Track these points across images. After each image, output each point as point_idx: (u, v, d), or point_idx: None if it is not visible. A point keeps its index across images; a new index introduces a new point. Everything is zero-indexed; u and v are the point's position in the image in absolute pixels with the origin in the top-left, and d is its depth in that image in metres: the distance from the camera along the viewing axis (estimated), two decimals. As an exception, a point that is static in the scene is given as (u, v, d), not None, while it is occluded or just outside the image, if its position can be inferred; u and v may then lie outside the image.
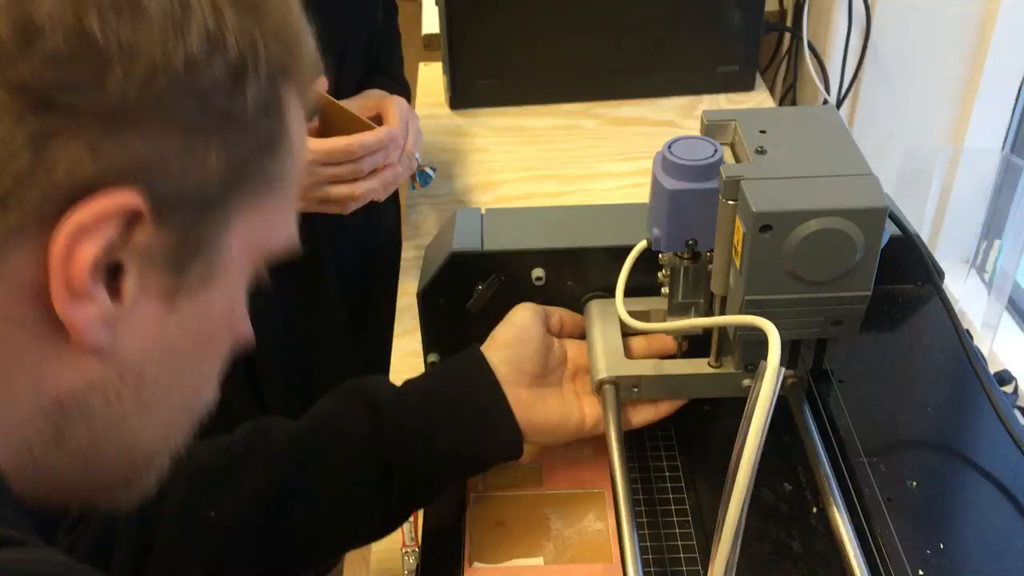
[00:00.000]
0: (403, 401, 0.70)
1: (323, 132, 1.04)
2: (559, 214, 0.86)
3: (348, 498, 0.69)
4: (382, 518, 0.70)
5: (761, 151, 0.64)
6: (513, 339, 0.73)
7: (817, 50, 1.50)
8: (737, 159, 0.67)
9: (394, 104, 1.07)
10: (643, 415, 0.76)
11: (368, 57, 1.13)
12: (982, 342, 1.18)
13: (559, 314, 0.79)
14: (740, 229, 0.62)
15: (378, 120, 1.06)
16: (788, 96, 1.62)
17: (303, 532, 0.68)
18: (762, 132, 0.66)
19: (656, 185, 0.67)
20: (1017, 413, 1.08)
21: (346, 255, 1.20)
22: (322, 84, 1.02)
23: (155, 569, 0.64)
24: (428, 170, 1.14)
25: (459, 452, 0.70)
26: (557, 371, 0.76)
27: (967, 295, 1.32)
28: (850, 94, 1.49)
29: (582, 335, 0.79)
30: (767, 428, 0.44)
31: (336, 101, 1.01)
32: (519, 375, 0.72)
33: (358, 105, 1.07)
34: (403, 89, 1.20)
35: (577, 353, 0.78)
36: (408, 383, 0.73)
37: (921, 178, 1.33)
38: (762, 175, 0.62)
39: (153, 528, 0.64)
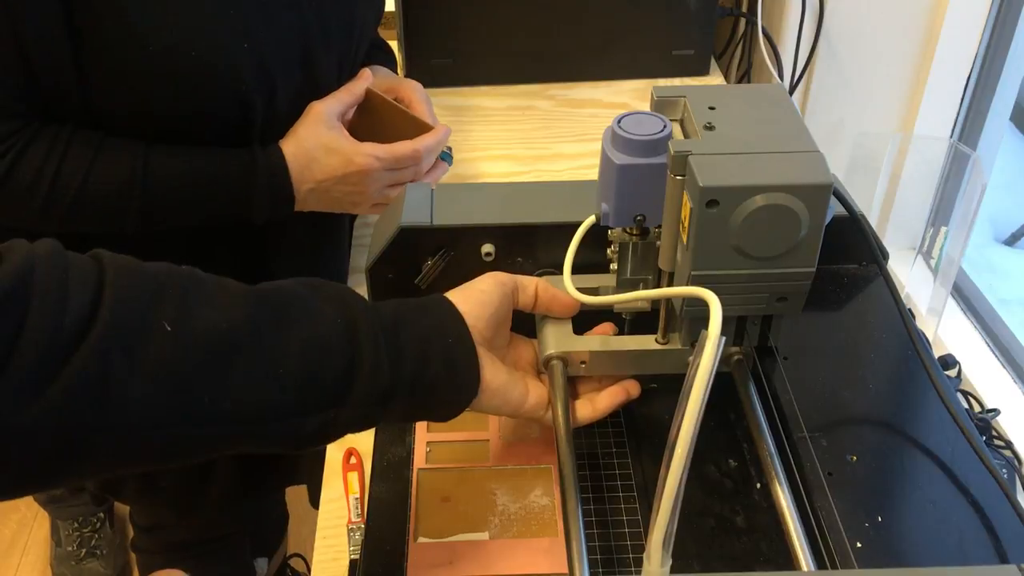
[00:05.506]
0: (377, 307, 0.64)
1: (363, 127, 1.00)
2: (509, 190, 0.86)
3: (295, 377, 0.59)
4: (311, 425, 0.60)
5: (710, 127, 0.64)
6: (472, 299, 0.69)
7: (771, 36, 1.50)
8: (686, 135, 0.67)
9: (415, 91, 1.06)
10: (584, 411, 0.74)
11: (370, 37, 1.12)
12: (927, 327, 1.19)
13: (535, 287, 0.74)
14: (687, 204, 0.62)
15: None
16: (742, 81, 1.63)
17: (228, 404, 0.57)
18: (711, 109, 0.66)
19: (605, 160, 0.67)
20: (960, 396, 1.10)
21: (296, 234, 1.19)
22: (366, 77, 1.00)
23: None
24: (447, 150, 1.10)
25: (422, 379, 0.64)
26: (504, 349, 0.75)
27: (913, 281, 1.34)
28: (803, 81, 1.50)
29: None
30: (707, 394, 0.44)
31: (387, 98, 0.99)
32: (474, 332, 0.68)
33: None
34: (389, 56, 1.19)
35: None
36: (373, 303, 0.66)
37: (871, 165, 1.34)
38: (710, 151, 0.62)
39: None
